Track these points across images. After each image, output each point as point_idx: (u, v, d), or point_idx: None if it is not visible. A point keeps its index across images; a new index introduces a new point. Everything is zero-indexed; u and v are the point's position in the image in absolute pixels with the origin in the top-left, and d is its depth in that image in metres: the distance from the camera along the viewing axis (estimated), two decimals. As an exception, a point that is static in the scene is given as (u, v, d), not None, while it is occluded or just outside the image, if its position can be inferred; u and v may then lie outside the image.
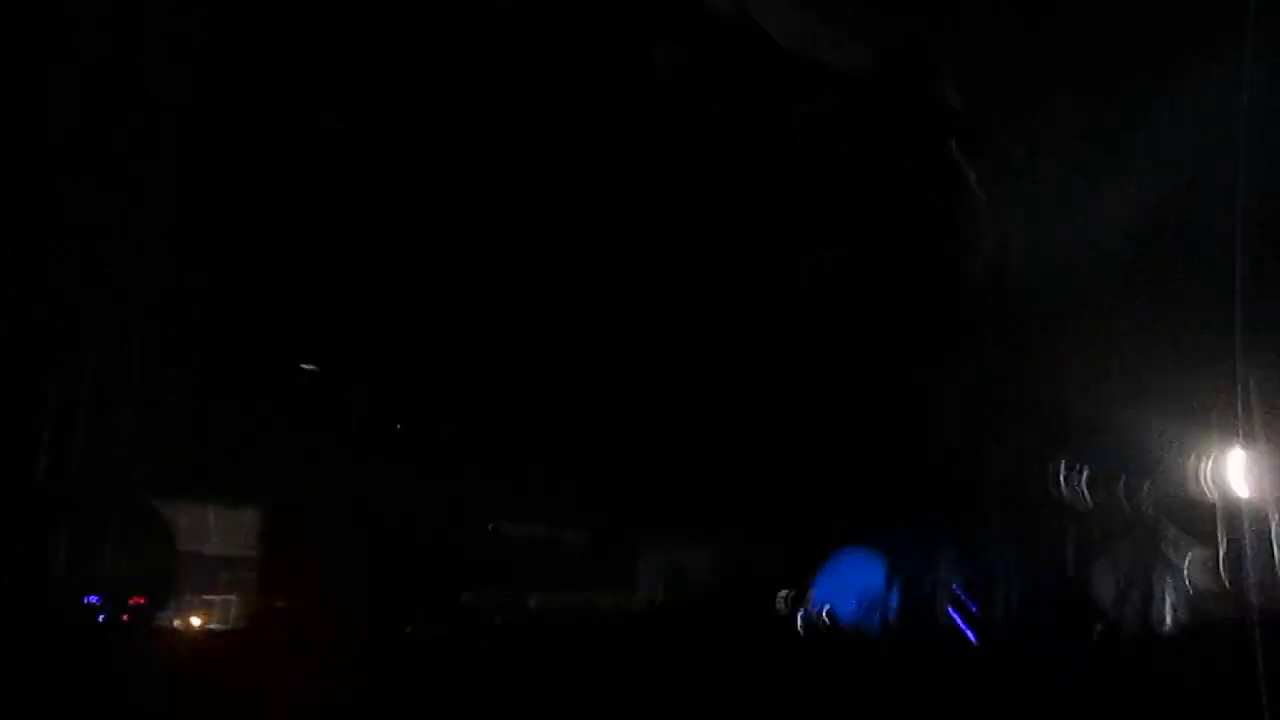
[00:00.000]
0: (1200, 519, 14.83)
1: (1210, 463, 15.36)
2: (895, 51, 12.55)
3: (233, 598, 10.90)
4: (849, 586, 13.09)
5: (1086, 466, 14.67)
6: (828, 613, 12.84)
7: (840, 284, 13.35)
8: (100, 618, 8.14)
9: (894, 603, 12.62)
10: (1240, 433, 14.34)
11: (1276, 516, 13.43)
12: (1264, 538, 13.89)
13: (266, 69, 10.34)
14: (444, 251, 11.97)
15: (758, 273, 13.02)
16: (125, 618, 8.58)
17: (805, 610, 13.19)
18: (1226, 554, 14.41)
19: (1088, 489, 15.49)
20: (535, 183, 12.28)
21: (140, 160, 9.02)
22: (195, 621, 9.44)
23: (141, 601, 8.46)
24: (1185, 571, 14.51)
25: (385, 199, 11.19)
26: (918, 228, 13.29)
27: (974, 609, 12.17)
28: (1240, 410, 13.23)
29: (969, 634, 12.32)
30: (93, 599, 8.05)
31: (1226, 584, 13.54)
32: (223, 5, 9.30)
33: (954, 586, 12.64)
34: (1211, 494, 15.55)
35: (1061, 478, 14.57)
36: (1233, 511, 14.70)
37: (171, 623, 9.13)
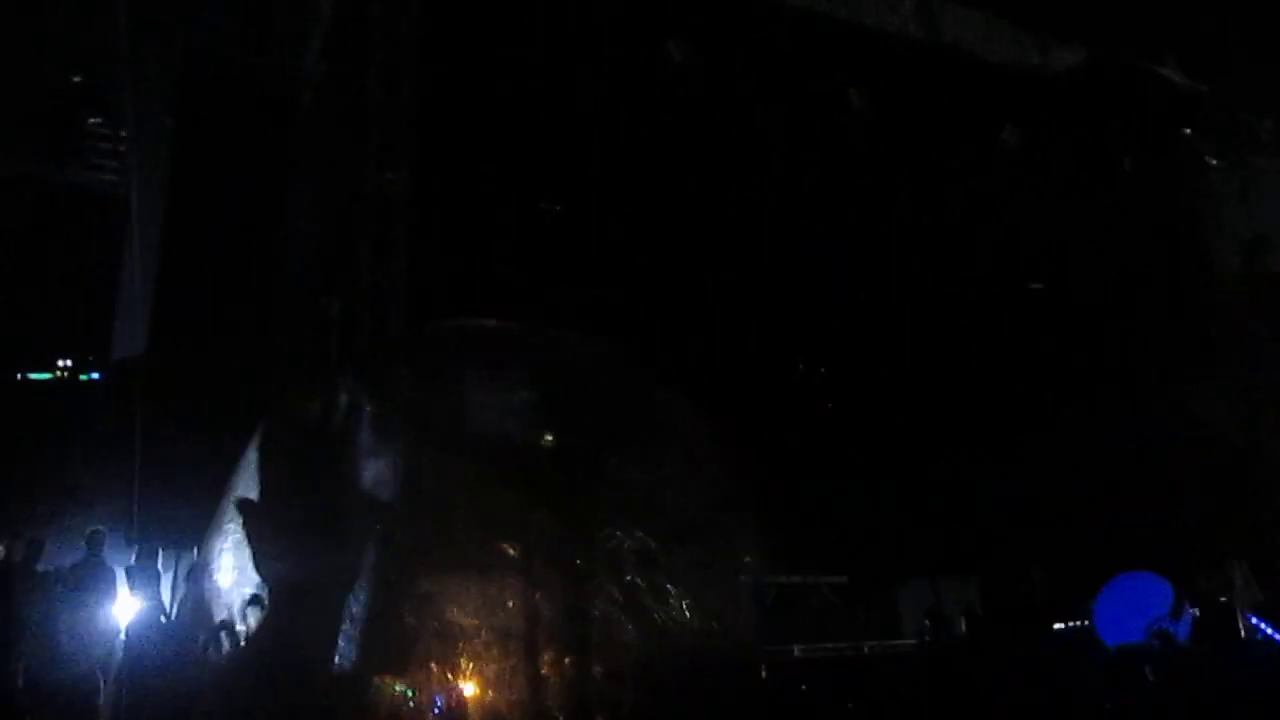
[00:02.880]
0: None
1: None
2: (1106, 46, 11.96)
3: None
4: (1131, 610, 12.20)
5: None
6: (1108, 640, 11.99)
7: (1079, 295, 12.68)
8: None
9: (1183, 627, 11.68)
10: None
11: None
12: None
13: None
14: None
15: (991, 298, 12.53)
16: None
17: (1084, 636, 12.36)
18: None
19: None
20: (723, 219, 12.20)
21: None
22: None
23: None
24: None
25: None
26: (1155, 222, 12.46)
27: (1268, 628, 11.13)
28: None
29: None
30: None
31: None
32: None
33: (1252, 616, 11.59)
34: None
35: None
36: None
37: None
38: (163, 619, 9.46)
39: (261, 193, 10.49)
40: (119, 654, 8.74)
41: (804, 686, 9.66)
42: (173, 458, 9.97)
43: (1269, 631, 11.63)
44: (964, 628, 12.34)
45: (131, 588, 9.86)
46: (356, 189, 9.77)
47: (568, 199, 11.56)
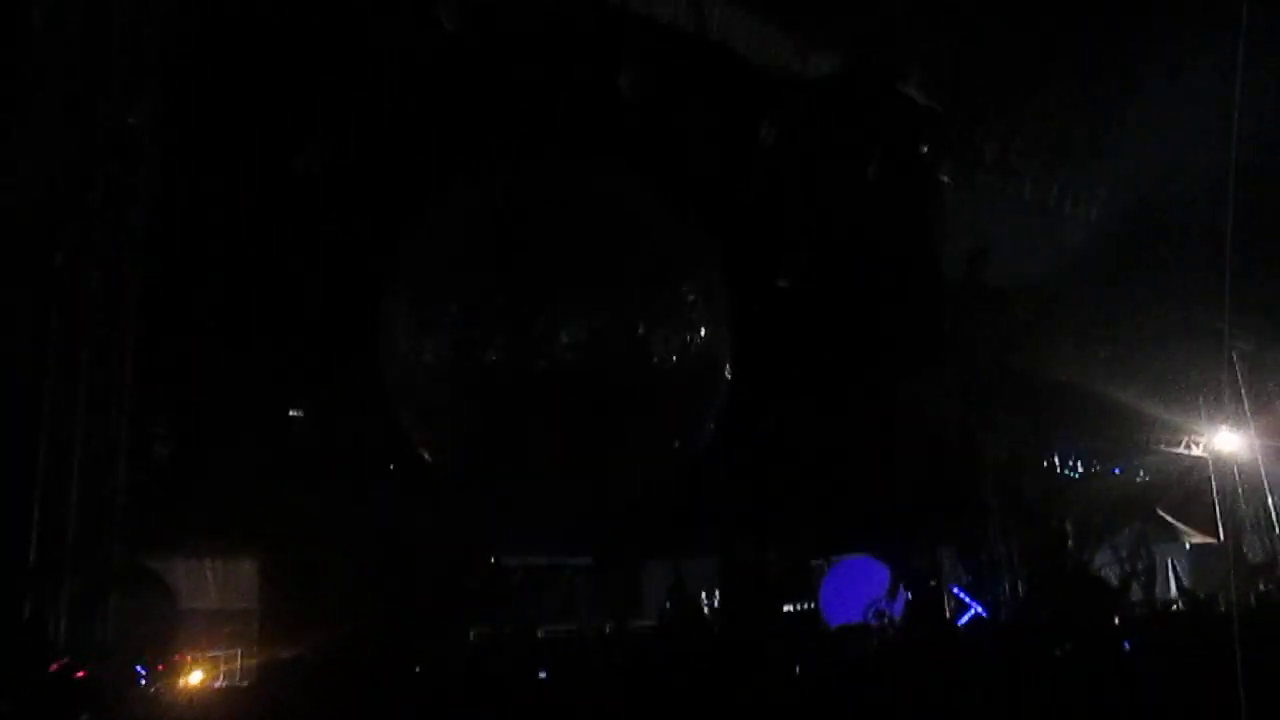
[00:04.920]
0: (1196, 503, 14.71)
1: (1202, 446, 15.28)
2: (860, 57, 12.56)
3: (235, 651, 10.68)
4: (853, 591, 13.03)
5: (1081, 455, 14.61)
6: (832, 620, 12.73)
7: (818, 291, 13.32)
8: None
9: (898, 606, 12.57)
10: (1231, 414, 14.18)
11: (1272, 497, 13.22)
12: (1260, 519, 13.62)
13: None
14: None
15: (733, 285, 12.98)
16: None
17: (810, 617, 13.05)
18: (1224, 537, 14.21)
19: (1084, 477, 15.36)
20: (508, 208, 12.20)
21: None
22: (198, 677, 9.28)
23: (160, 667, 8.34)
24: (1185, 557, 14.43)
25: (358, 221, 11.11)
26: (893, 229, 13.24)
27: (977, 606, 12.17)
28: (1230, 392, 13.18)
29: (979, 613, 12.28)
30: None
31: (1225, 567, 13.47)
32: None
33: (955, 586, 12.63)
34: (1208, 476, 15.37)
35: (1058, 467, 14.46)
36: (1229, 493, 14.57)
37: (177, 680, 9.00)
38: None
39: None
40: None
41: (542, 668, 9.74)
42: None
43: (970, 602, 12.80)
44: (708, 607, 12.82)
45: None
46: (94, 127, 8.83)
47: (334, 149, 11.01)
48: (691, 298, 11.68)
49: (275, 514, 10.41)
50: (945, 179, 13.71)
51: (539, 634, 11.38)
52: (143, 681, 8.46)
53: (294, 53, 10.67)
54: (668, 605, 12.27)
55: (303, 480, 10.53)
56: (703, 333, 11.80)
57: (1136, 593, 13.85)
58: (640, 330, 11.40)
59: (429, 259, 11.67)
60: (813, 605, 13.30)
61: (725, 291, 12.30)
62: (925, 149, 13.71)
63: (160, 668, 8.80)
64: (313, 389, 11.43)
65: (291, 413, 11.47)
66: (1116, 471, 14.75)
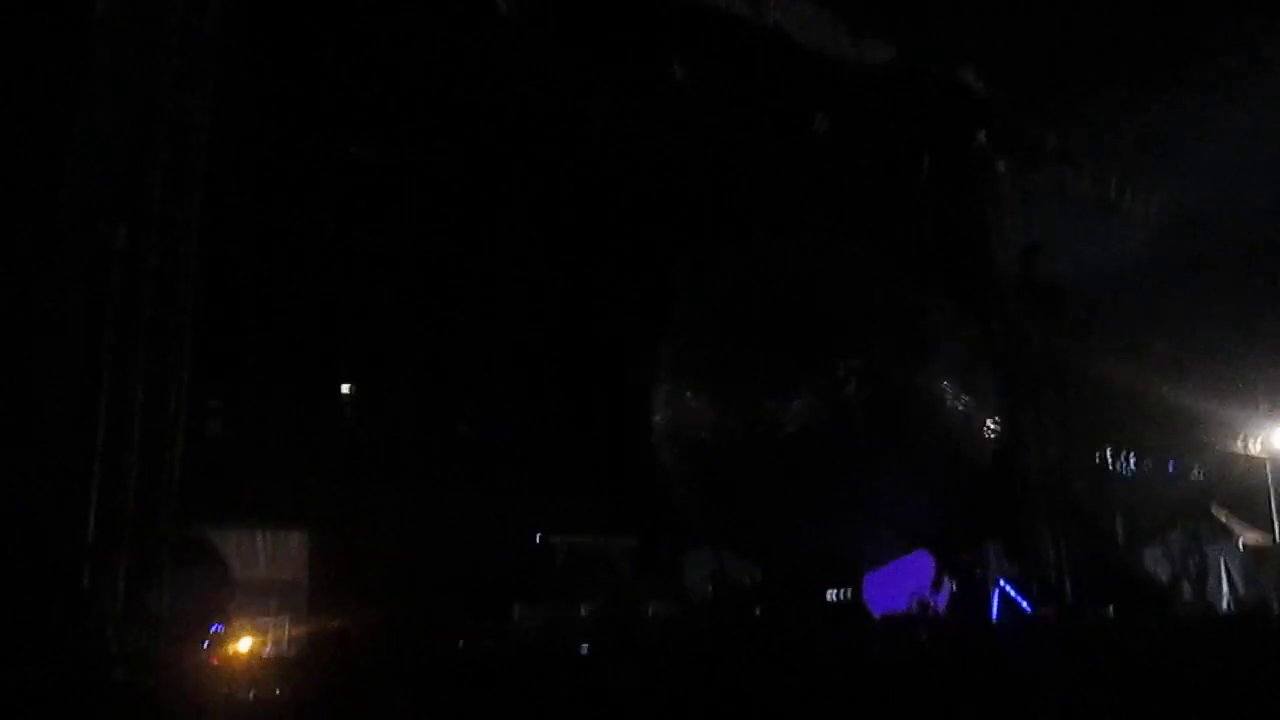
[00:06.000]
0: (1253, 501, 14.44)
1: (1260, 444, 15.01)
2: (916, 45, 12.43)
3: (284, 621, 10.96)
4: (897, 584, 13.00)
5: (1134, 454, 14.38)
6: (875, 609, 12.75)
7: (869, 284, 13.25)
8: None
9: (942, 598, 12.51)
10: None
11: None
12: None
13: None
14: (475, 266, 12.01)
15: (779, 275, 12.99)
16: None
17: (854, 607, 13.09)
18: (1280, 537, 13.91)
19: (1136, 477, 15.14)
20: (553, 194, 12.34)
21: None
22: (247, 644, 9.55)
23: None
24: (1239, 555, 14.20)
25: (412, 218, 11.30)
26: (947, 220, 13.12)
27: (1024, 603, 12.08)
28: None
29: (1025, 609, 12.23)
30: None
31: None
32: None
33: (1003, 581, 12.55)
34: (1264, 476, 15.07)
35: (1109, 466, 14.28)
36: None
37: (228, 647, 9.27)
38: None
39: (42, 107, 9.60)
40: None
41: (586, 646, 9.86)
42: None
43: (1017, 598, 12.71)
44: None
45: None
46: (150, 113, 9.11)
47: (382, 145, 11.18)
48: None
49: (324, 489, 10.65)
50: (1001, 170, 13.53)
51: (582, 612, 11.52)
52: (206, 644, 8.75)
53: (354, 39, 10.86)
54: (710, 589, 12.33)
55: (351, 458, 10.76)
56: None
57: (1187, 593, 13.63)
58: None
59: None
60: (854, 593, 13.28)
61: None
62: (982, 138, 13.54)
63: (211, 637, 9.08)
64: (363, 369, 11.65)
65: (343, 389, 11.70)
66: (1170, 470, 14.50)
